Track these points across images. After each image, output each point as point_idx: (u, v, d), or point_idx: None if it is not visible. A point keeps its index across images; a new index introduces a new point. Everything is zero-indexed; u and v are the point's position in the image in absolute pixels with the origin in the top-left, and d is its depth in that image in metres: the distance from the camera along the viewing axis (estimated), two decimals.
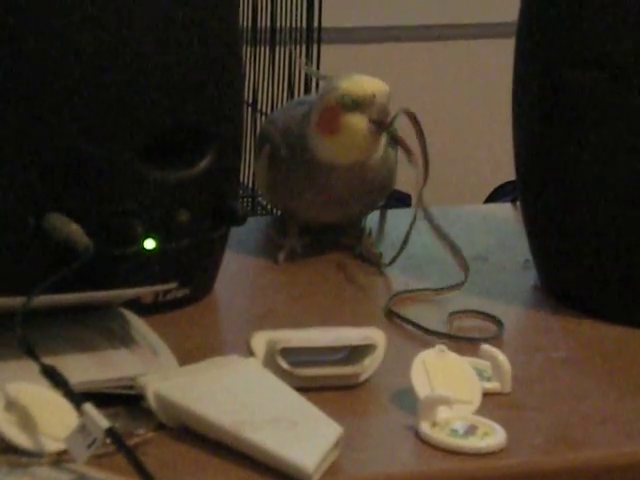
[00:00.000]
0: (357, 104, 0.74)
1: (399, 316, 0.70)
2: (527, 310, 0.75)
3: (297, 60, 1.43)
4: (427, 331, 0.69)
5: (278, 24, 1.48)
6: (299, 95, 1.47)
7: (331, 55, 1.53)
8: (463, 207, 0.92)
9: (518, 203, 0.80)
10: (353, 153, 0.76)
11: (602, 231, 0.71)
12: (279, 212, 0.86)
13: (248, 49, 1.48)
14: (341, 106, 0.75)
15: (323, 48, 1.44)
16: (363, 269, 0.79)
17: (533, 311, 0.74)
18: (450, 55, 1.87)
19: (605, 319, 0.71)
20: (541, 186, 0.74)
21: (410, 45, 1.94)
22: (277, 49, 1.49)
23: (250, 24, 1.49)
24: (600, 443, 0.59)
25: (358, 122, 0.75)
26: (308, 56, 1.44)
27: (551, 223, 0.74)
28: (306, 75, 1.46)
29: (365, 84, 0.75)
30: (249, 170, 1.53)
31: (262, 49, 1.51)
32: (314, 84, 1.44)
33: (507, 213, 0.89)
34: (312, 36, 1.44)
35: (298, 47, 1.45)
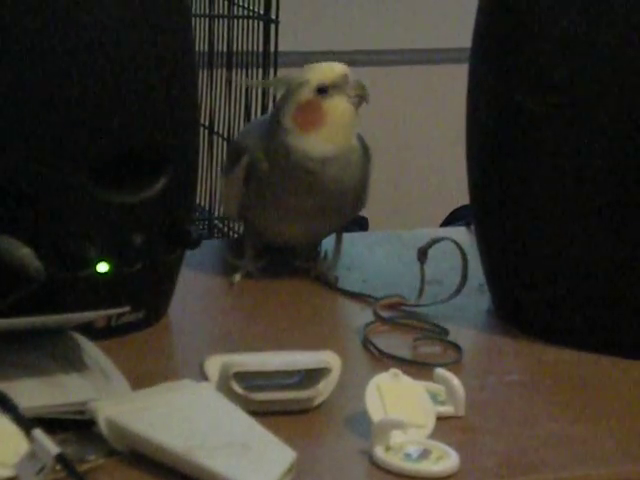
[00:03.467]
0: (334, 87, 0.75)
1: (368, 340, 0.70)
2: (481, 333, 0.75)
3: (242, 81, 1.43)
4: (382, 353, 0.69)
5: (235, 47, 1.48)
6: (256, 117, 1.47)
7: None
8: (418, 230, 0.92)
9: (472, 227, 0.80)
10: (341, 138, 0.76)
11: (554, 255, 0.71)
12: (235, 235, 0.86)
13: (205, 72, 1.48)
14: (319, 96, 0.74)
15: (279, 72, 1.44)
16: (319, 292, 0.79)
17: (487, 335, 0.75)
18: (405, 79, 1.88)
19: (558, 343, 0.72)
20: (494, 210, 0.75)
21: (365, 69, 1.95)
22: (234, 72, 1.49)
23: (207, 47, 1.49)
24: (553, 466, 0.59)
25: (341, 104, 0.75)
26: (265, 79, 1.44)
27: (504, 247, 0.74)
28: (263, 98, 1.46)
29: (334, 67, 0.76)
30: (205, 192, 1.53)
31: (219, 72, 1.51)
32: (270, 107, 1.44)
33: (462, 237, 0.89)
34: (269, 60, 1.44)
35: (254, 70, 1.45)
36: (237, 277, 0.79)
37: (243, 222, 0.82)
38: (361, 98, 0.76)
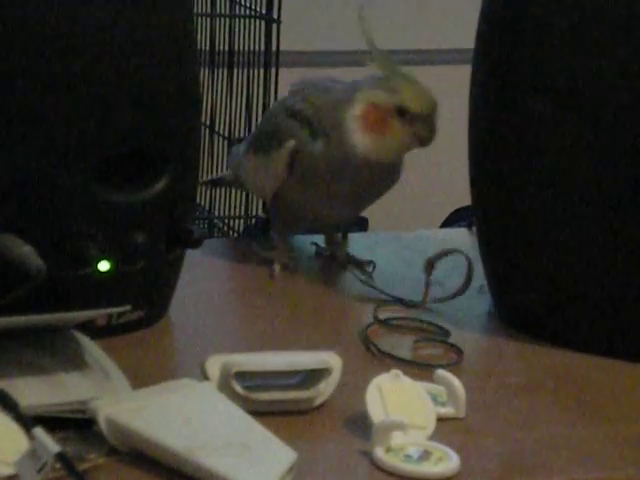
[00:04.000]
0: (411, 117, 0.74)
1: (369, 341, 0.70)
2: (482, 335, 0.75)
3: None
4: (383, 354, 0.69)
5: (236, 47, 1.48)
6: (257, 117, 1.47)
7: (289, 78, 1.53)
8: (419, 231, 0.92)
9: (474, 228, 0.80)
10: (391, 155, 0.75)
11: (556, 257, 0.71)
12: (235, 234, 0.86)
13: (206, 71, 1.48)
14: (394, 111, 0.74)
15: (281, 71, 1.44)
16: (320, 292, 0.79)
17: (488, 336, 0.75)
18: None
19: (559, 345, 0.72)
20: (496, 211, 0.75)
21: (367, 70, 1.95)
22: (235, 72, 1.49)
23: (208, 47, 1.49)
24: (553, 469, 0.59)
25: (405, 133, 0.74)
26: (266, 79, 1.45)
27: (506, 248, 0.74)
28: (264, 97, 1.46)
29: (426, 101, 0.74)
30: (206, 192, 1.53)
31: (220, 71, 1.51)
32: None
33: (463, 238, 0.89)
34: (270, 59, 1.44)
35: (256, 70, 1.45)
36: (276, 269, 0.78)
37: (272, 207, 0.81)
38: (424, 142, 0.74)
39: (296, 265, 0.80)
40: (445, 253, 0.76)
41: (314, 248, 0.84)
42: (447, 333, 0.72)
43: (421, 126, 0.74)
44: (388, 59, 0.76)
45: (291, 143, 0.76)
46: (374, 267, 0.81)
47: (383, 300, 0.76)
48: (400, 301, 0.76)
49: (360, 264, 0.81)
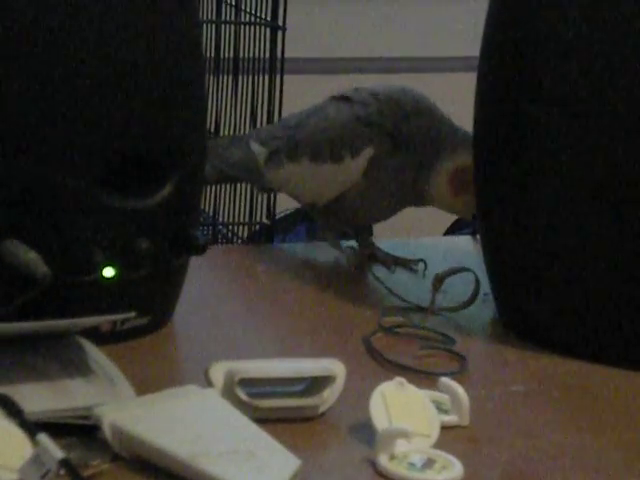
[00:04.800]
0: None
1: (374, 349, 0.70)
2: (486, 343, 0.75)
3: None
4: (388, 362, 0.69)
5: (241, 54, 1.48)
6: (261, 124, 1.47)
7: (294, 85, 1.54)
8: (423, 239, 0.92)
9: (478, 236, 0.80)
10: (472, 209, 0.78)
11: (560, 265, 0.71)
12: (239, 241, 0.87)
13: (211, 78, 1.48)
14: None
15: (286, 78, 1.44)
16: (324, 300, 0.79)
17: (492, 344, 0.74)
18: (413, 87, 1.88)
19: (563, 353, 0.71)
20: (501, 219, 0.75)
21: (374, 77, 1.96)
22: (240, 78, 1.49)
23: (213, 53, 1.49)
24: (556, 478, 0.59)
25: (467, 210, 0.78)
26: (271, 86, 1.45)
27: (510, 257, 0.74)
28: (269, 104, 1.46)
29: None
30: (210, 198, 1.53)
31: (225, 78, 1.51)
32: (276, 114, 1.45)
33: (467, 246, 0.90)
34: (275, 66, 1.44)
35: (261, 77, 1.45)
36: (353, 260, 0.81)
37: (323, 211, 0.82)
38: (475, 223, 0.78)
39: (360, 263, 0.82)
40: (454, 271, 0.76)
41: (351, 252, 0.85)
42: (452, 341, 0.72)
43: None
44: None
45: (370, 151, 0.77)
46: (425, 266, 0.82)
47: (388, 307, 0.76)
48: (409, 307, 0.77)
49: (406, 263, 0.83)
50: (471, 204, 0.77)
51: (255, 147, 0.84)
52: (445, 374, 0.65)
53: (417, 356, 0.70)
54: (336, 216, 0.82)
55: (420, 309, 0.76)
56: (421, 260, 0.83)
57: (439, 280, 0.76)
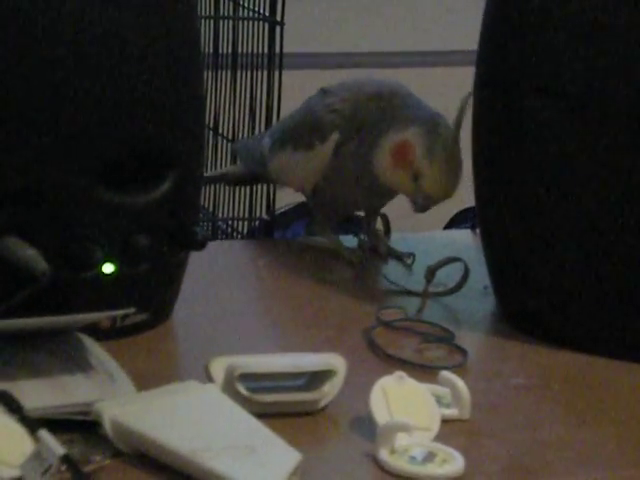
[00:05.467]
0: (420, 189, 0.76)
1: (374, 343, 0.70)
2: (486, 336, 0.75)
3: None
4: (388, 356, 0.69)
5: (240, 49, 1.48)
6: (260, 119, 1.47)
7: (293, 81, 1.54)
8: (422, 233, 0.92)
9: (477, 230, 0.80)
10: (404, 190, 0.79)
11: (560, 258, 0.71)
12: (239, 236, 0.87)
13: (210, 74, 1.48)
14: (414, 170, 0.76)
15: (285, 73, 1.44)
16: (324, 294, 0.79)
17: (492, 337, 0.75)
18: (411, 82, 1.88)
19: (563, 346, 0.71)
20: (500, 213, 0.75)
21: (372, 71, 1.95)
22: (238, 74, 1.49)
23: (212, 49, 1.49)
24: (558, 471, 0.59)
25: (408, 190, 0.77)
26: (270, 81, 1.45)
27: (510, 249, 0.74)
28: (267, 99, 1.46)
29: (442, 187, 0.76)
30: (209, 194, 1.53)
31: (223, 74, 1.51)
32: (275, 109, 1.45)
33: (466, 239, 0.89)
34: (274, 61, 1.44)
35: (259, 72, 1.45)
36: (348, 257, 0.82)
37: (312, 200, 0.83)
38: (417, 209, 0.77)
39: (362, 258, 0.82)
40: (446, 262, 0.77)
41: (356, 240, 0.86)
42: (451, 335, 0.72)
43: (425, 201, 0.77)
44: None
45: (336, 135, 0.79)
46: (414, 259, 0.82)
47: (387, 299, 0.76)
48: (409, 293, 0.77)
49: (400, 256, 0.83)
50: (410, 182, 0.77)
51: (265, 140, 0.85)
52: (446, 367, 0.65)
53: (417, 350, 0.70)
54: (327, 207, 0.83)
55: (417, 295, 0.77)
56: (412, 254, 0.83)
57: (431, 272, 0.77)
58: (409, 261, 0.83)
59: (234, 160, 1.56)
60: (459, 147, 0.77)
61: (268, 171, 0.86)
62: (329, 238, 0.84)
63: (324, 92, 0.83)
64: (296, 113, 0.84)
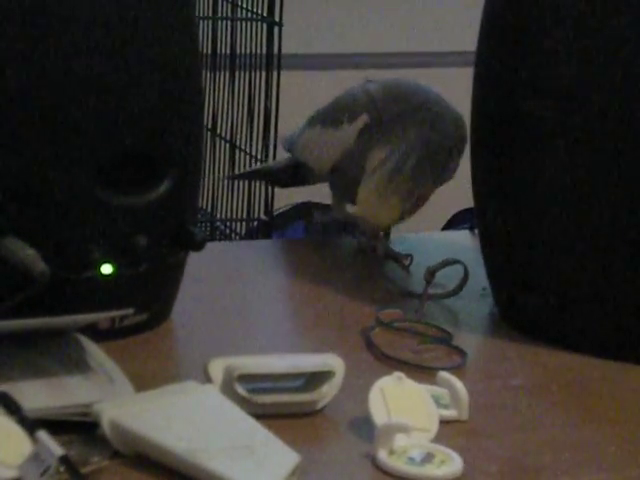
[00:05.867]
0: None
1: (372, 344, 0.70)
2: (484, 337, 0.75)
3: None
4: (386, 357, 0.69)
5: (238, 50, 1.48)
6: (259, 120, 1.47)
7: (291, 81, 1.54)
8: (421, 234, 0.92)
9: (476, 230, 0.80)
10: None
11: (558, 259, 0.71)
12: (237, 237, 0.87)
13: (208, 74, 1.48)
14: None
15: (283, 74, 1.44)
16: (323, 295, 0.79)
17: (490, 338, 0.75)
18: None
19: (562, 347, 0.72)
20: (498, 214, 0.75)
21: (370, 72, 1.96)
22: (237, 74, 1.49)
23: (210, 50, 1.49)
24: (556, 471, 0.59)
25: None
26: (268, 82, 1.45)
27: (508, 251, 0.74)
28: (266, 100, 1.46)
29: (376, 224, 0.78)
30: (207, 194, 1.53)
31: (222, 74, 1.51)
32: (274, 110, 1.45)
33: (465, 240, 0.90)
34: (272, 62, 1.44)
35: (258, 73, 1.45)
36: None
37: (333, 178, 0.84)
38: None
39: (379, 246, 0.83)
40: (446, 263, 0.77)
41: (356, 241, 0.86)
42: (449, 335, 0.72)
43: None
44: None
45: (365, 117, 0.80)
46: (412, 260, 0.83)
47: (386, 301, 0.76)
48: (408, 294, 0.78)
49: (398, 257, 0.83)
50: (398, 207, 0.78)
51: (301, 125, 0.87)
52: (444, 368, 0.65)
53: (416, 350, 0.70)
54: (342, 189, 0.83)
55: (417, 296, 0.77)
56: (409, 255, 0.83)
57: (431, 273, 0.77)
58: (407, 262, 0.83)
59: (232, 161, 1.56)
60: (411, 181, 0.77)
61: (295, 149, 0.86)
62: (345, 216, 0.84)
63: (367, 81, 0.84)
64: (335, 98, 0.85)
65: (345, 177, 0.82)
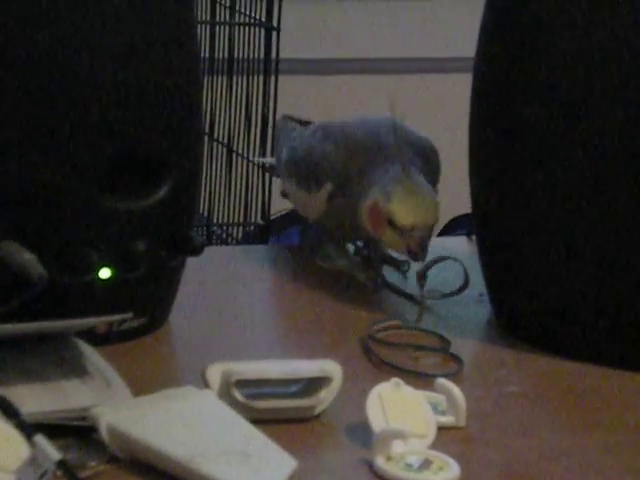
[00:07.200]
0: (400, 230, 0.74)
1: (370, 350, 0.70)
2: (482, 344, 0.75)
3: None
4: (384, 363, 0.69)
5: (236, 54, 1.48)
6: (256, 125, 1.47)
7: (289, 86, 1.54)
8: None
9: (473, 237, 0.80)
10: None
11: (556, 266, 0.71)
12: (234, 241, 0.86)
13: (206, 79, 1.48)
14: (386, 217, 0.74)
15: (280, 79, 1.44)
16: (320, 301, 0.79)
17: (488, 345, 0.75)
18: (406, 88, 1.89)
19: (559, 354, 0.72)
20: (496, 220, 0.75)
21: (367, 77, 1.96)
22: (234, 79, 1.50)
23: (208, 54, 1.49)
24: (553, 478, 0.59)
25: (397, 242, 0.74)
26: (266, 87, 1.45)
27: (506, 258, 0.74)
28: (263, 105, 1.46)
29: (409, 214, 0.73)
30: (204, 199, 1.53)
31: (220, 79, 1.51)
32: (271, 115, 1.45)
33: (462, 246, 0.89)
34: (270, 67, 1.44)
35: (255, 78, 1.45)
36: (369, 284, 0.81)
37: (319, 225, 0.84)
38: (414, 256, 0.74)
39: (378, 280, 0.81)
40: (435, 261, 0.76)
41: (353, 248, 0.85)
42: (448, 343, 0.72)
43: (411, 240, 0.74)
44: (406, 159, 0.75)
45: (328, 186, 0.79)
46: (409, 266, 0.82)
47: (379, 322, 0.76)
48: (408, 297, 0.77)
49: (395, 263, 0.83)
50: (389, 244, 0.76)
51: (283, 153, 0.85)
52: (441, 375, 0.65)
53: (413, 357, 0.70)
54: (333, 234, 0.83)
55: (415, 299, 0.77)
56: (406, 261, 0.83)
57: (420, 275, 0.76)
58: (405, 268, 0.83)
59: (229, 166, 1.56)
60: (426, 184, 0.75)
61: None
62: (345, 261, 0.83)
63: (325, 134, 0.81)
64: (302, 143, 0.83)
65: (330, 227, 0.82)
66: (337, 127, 0.82)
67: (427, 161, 0.79)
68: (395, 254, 0.84)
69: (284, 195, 0.88)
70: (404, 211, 0.73)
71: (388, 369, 0.68)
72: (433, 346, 0.72)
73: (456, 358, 0.70)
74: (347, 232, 0.81)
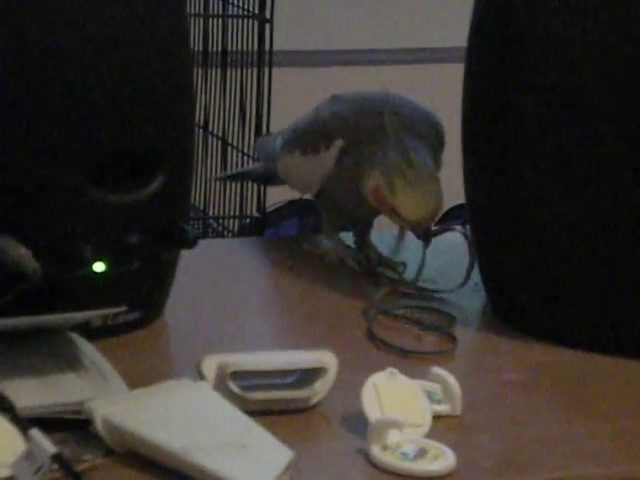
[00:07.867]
0: (404, 220, 0.76)
1: (371, 332, 0.71)
2: (477, 333, 0.75)
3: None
4: (384, 344, 0.69)
5: (229, 47, 1.48)
6: (251, 117, 1.47)
7: (283, 78, 1.54)
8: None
9: (468, 226, 0.80)
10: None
11: (551, 255, 0.71)
12: (230, 234, 0.86)
13: (199, 72, 1.48)
14: (390, 206, 0.76)
15: (274, 71, 1.44)
16: (315, 292, 0.79)
17: (483, 334, 0.75)
18: (400, 79, 1.89)
19: (554, 342, 0.72)
20: (490, 210, 0.75)
21: (360, 69, 1.96)
22: (228, 71, 1.50)
23: (201, 47, 1.49)
24: (549, 465, 0.59)
25: (401, 224, 0.78)
26: (259, 79, 1.45)
27: (500, 247, 0.74)
28: (257, 98, 1.46)
29: (414, 211, 0.75)
30: (200, 192, 1.53)
31: (213, 72, 1.51)
32: (265, 107, 1.45)
33: (457, 236, 0.89)
34: (263, 59, 1.44)
35: (249, 69, 1.45)
36: (333, 259, 0.81)
37: (318, 204, 0.84)
38: (422, 239, 0.76)
39: (353, 258, 0.82)
40: (445, 229, 0.78)
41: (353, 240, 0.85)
42: (453, 319, 0.73)
43: (416, 229, 0.77)
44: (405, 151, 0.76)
45: (339, 142, 0.79)
46: (405, 268, 0.82)
47: (382, 287, 0.76)
48: (422, 290, 0.78)
49: (391, 265, 0.82)
50: (395, 216, 0.77)
51: (279, 139, 0.86)
52: (436, 352, 0.65)
53: (416, 335, 0.70)
54: (331, 209, 0.83)
55: (410, 285, 0.77)
56: (403, 263, 0.82)
57: (431, 234, 0.76)
58: (401, 269, 0.82)
59: (224, 158, 1.56)
60: (428, 168, 0.76)
61: (277, 170, 0.86)
62: (336, 242, 0.83)
63: (334, 99, 0.82)
64: (306, 116, 0.84)
65: (334, 200, 0.82)
66: (345, 94, 0.82)
67: (427, 139, 0.79)
68: (391, 256, 0.84)
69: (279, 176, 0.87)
70: (409, 208, 0.75)
71: (384, 359, 0.68)
72: (430, 326, 0.72)
73: (451, 337, 0.70)
74: (351, 203, 0.80)
